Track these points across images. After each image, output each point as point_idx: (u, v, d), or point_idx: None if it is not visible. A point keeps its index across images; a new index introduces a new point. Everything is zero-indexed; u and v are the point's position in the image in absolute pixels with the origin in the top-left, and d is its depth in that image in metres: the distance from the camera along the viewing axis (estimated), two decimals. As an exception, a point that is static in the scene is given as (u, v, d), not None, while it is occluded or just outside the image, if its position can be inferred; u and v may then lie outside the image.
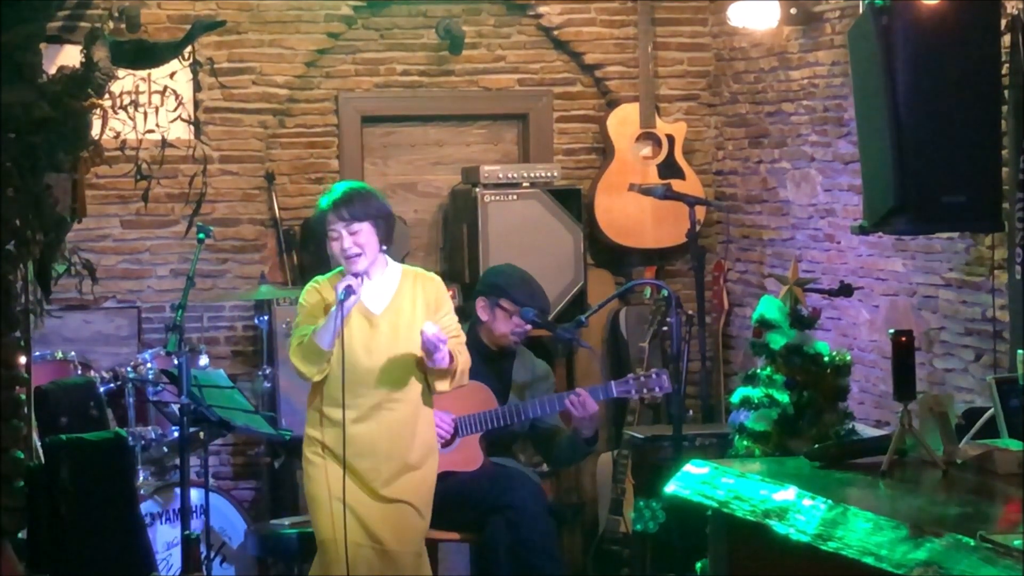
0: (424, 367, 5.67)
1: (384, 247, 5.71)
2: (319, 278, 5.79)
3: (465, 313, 6.80)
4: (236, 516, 7.14)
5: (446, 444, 6.45)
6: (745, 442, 5.27)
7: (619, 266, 8.21)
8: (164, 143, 5.78)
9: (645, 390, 6.52)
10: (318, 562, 5.74)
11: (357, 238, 5.64)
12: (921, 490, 4.46)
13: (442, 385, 5.72)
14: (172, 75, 5.90)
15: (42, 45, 5.64)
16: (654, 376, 6.54)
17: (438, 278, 5.84)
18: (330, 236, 5.65)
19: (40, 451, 5.82)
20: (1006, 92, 5.68)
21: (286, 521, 6.98)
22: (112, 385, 6.94)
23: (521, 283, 6.69)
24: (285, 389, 7.36)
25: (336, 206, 5.65)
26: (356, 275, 5.62)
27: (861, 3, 5.83)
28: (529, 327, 6.69)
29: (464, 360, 5.74)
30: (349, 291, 5.54)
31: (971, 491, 4.37)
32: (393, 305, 5.69)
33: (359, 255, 5.64)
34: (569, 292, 7.77)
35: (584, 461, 7.80)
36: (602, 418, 7.03)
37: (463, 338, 5.81)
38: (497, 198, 7.70)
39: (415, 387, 5.72)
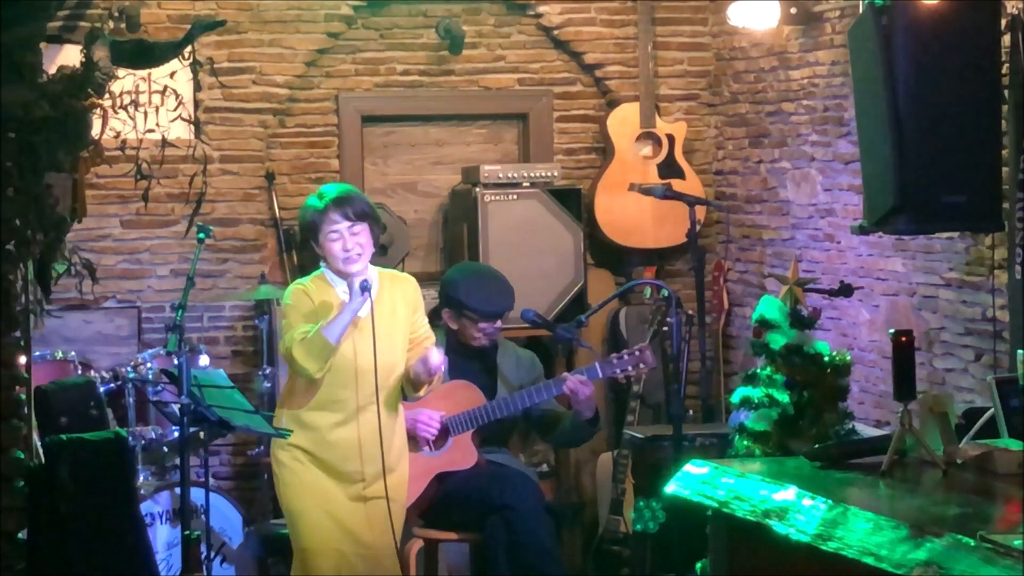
0: (407, 375, 5.76)
1: (374, 250, 5.74)
2: (302, 280, 5.81)
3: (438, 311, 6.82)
4: (236, 516, 7.13)
5: (438, 445, 6.45)
6: (745, 442, 5.26)
7: (619, 266, 8.20)
8: (164, 143, 5.79)
9: (630, 367, 6.53)
10: (300, 570, 5.75)
11: (359, 238, 5.65)
12: (921, 490, 4.45)
13: (420, 392, 5.84)
14: (172, 75, 5.90)
15: (42, 45, 5.65)
16: (637, 353, 6.54)
17: (412, 278, 5.91)
18: (329, 237, 5.64)
19: (40, 451, 5.81)
20: (1006, 92, 5.68)
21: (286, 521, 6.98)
22: (112, 385, 6.94)
23: (477, 289, 6.61)
24: (285, 389, 7.36)
25: (340, 204, 5.64)
26: (354, 275, 5.62)
27: (861, 3, 5.83)
28: (499, 323, 6.69)
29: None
30: (366, 285, 5.56)
31: (971, 491, 4.37)
32: (376, 308, 5.67)
33: (360, 255, 5.65)
34: (569, 292, 7.76)
35: (584, 461, 7.82)
36: (601, 416, 7.00)
37: (433, 338, 5.87)
38: (497, 198, 7.69)
39: (396, 390, 5.78)
